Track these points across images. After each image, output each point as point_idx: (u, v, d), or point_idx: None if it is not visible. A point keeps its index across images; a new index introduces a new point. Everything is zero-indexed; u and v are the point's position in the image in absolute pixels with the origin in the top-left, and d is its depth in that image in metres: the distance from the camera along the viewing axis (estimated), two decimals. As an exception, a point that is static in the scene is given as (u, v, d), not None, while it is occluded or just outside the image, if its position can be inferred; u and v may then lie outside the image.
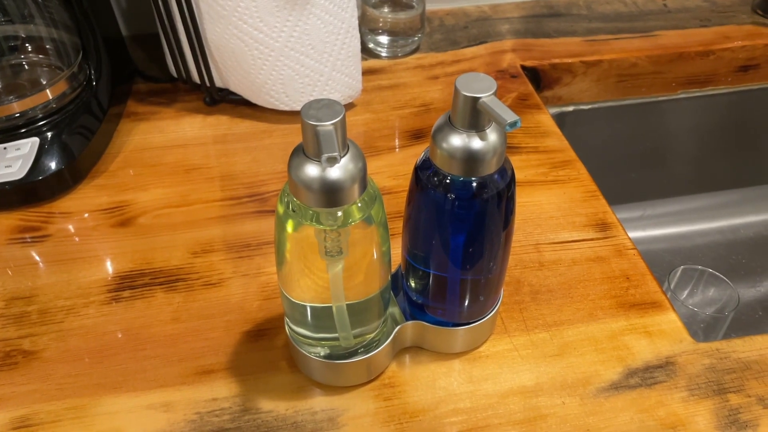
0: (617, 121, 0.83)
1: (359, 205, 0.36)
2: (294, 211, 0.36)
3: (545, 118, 0.68)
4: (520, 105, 0.70)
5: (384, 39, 0.75)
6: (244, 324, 0.48)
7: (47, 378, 0.45)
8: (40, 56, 0.65)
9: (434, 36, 0.80)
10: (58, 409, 0.43)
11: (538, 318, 0.49)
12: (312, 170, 0.34)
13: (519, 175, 0.61)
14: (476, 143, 0.36)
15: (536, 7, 0.86)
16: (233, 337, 0.48)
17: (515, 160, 0.62)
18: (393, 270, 0.48)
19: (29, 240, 0.55)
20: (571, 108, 0.80)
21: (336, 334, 0.42)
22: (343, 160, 0.34)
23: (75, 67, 0.62)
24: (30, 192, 0.57)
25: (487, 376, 0.45)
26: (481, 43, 0.79)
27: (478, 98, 0.34)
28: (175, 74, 0.69)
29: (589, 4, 0.86)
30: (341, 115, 0.33)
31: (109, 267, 0.53)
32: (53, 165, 0.57)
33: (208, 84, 0.67)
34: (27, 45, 0.65)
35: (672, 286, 0.71)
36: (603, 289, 0.51)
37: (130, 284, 0.51)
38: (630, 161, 0.88)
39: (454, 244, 0.41)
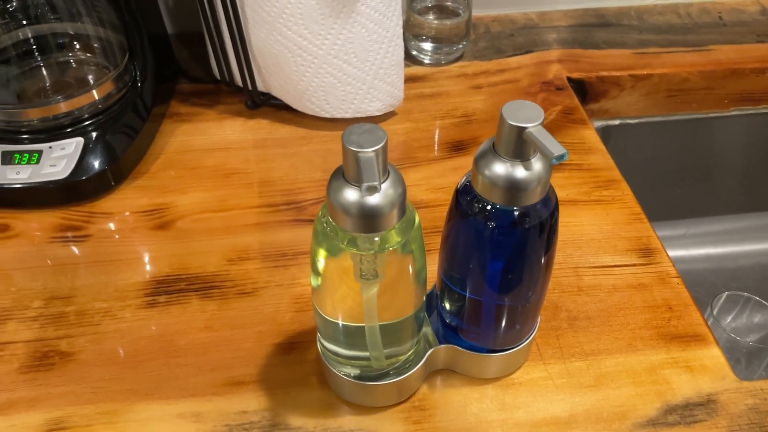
0: (664, 136, 0.81)
1: (397, 229, 0.36)
2: (331, 232, 0.36)
3: (590, 134, 0.66)
4: (565, 119, 0.68)
5: (428, 46, 0.74)
6: (276, 336, 0.48)
7: (82, 380, 0.46)
8: (88, 55, 0.66)
9: (479, 43, 0.79)
10: (91, 413, 0.44)
11: (574, 346, 0.48)
12: (351, 195, 0.33)
13: (560, 194, 0.59)
14: (520, 173, 0.35)
15: (585, 16, 0.84)
16: (264, 349, 0.48)
17: (557, 178, 0.61)
18: (428, 289, 0.47)
19: (71, 239, 0.56)
20: (617, 122, 0.78)
21: (368, 353, 0.42)
22: (383, 186, 0.34)
23: (121, 68, 0.63)
24: (73, 191, 0.58)
25: (520, 404, 0.44)
26: (527, 52, 0.77)
27: (525, 128, 0.33)
28: (218, 76, 0.69)
29: (641, 14, 0.84)
30: (383, 142, 0.32)
31: (147, 270, 0.53)
32: (96, 165, 0.58)
33: (250, 87, 0.67)
34: (75, 43, 0.66)
35: (715, 312, 0.68)
36: (644, 318, 0.49)
37: (166, 289, 0.52)
38: (675, 178, 0.86)
39: (492, 271, 0.40)
